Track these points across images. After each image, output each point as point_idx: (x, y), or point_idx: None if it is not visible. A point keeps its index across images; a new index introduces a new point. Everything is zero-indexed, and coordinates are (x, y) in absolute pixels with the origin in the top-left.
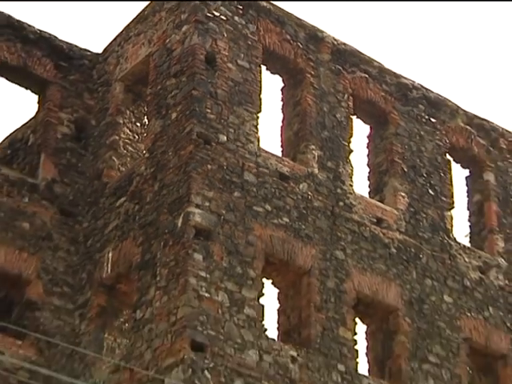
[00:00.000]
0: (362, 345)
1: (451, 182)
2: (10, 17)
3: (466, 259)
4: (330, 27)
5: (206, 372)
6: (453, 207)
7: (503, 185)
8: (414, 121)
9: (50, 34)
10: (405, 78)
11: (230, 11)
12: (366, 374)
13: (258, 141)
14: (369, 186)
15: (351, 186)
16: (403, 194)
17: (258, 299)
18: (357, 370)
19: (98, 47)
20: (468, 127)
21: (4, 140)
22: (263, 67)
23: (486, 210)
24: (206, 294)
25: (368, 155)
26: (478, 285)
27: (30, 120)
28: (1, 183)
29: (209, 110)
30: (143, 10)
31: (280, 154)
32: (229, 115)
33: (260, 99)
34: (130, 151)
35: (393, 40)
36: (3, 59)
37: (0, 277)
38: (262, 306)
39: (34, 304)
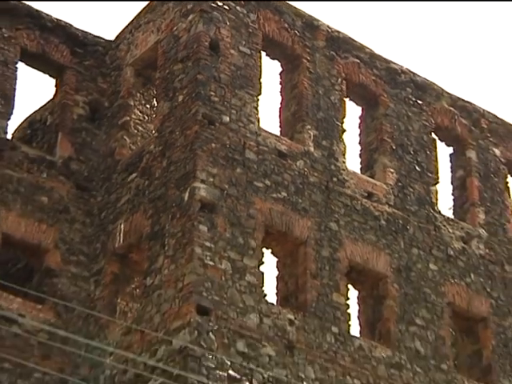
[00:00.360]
0: (353, 309)
1: (436, 159)
2: (29, 7)
3: (450, 230)
4: (325, 16)
5: (210, 334)
6: (438, 182)
7: (484, 161)
8: (402, 103)
9: (66, 23)
10: (394, 63)
11: (233, 1)
12: (358, 335)
13: (258, 121)
14: (360, 163)
15: (344, 162)
16: (392, 170)
17: (259, 267)
18: (349, 332)
19: (110, 35)
20: (452, 108)
21: (24, 121)
22: (263, 53)
23: (468, 184)
24: (211, 263)
25: (360, 134)
26: (460, 254)
27: (48, 102)
28: (21, 160)
29: (213, 93)
30: (152, 0)
31: (278, 134)
32: (231, 98)
33: (260, 83)
34: (140, 131)
35: (383, 28)
36: (23, 46)
37: (21, 247)
38: (262, 274)
39: (52, 271)
